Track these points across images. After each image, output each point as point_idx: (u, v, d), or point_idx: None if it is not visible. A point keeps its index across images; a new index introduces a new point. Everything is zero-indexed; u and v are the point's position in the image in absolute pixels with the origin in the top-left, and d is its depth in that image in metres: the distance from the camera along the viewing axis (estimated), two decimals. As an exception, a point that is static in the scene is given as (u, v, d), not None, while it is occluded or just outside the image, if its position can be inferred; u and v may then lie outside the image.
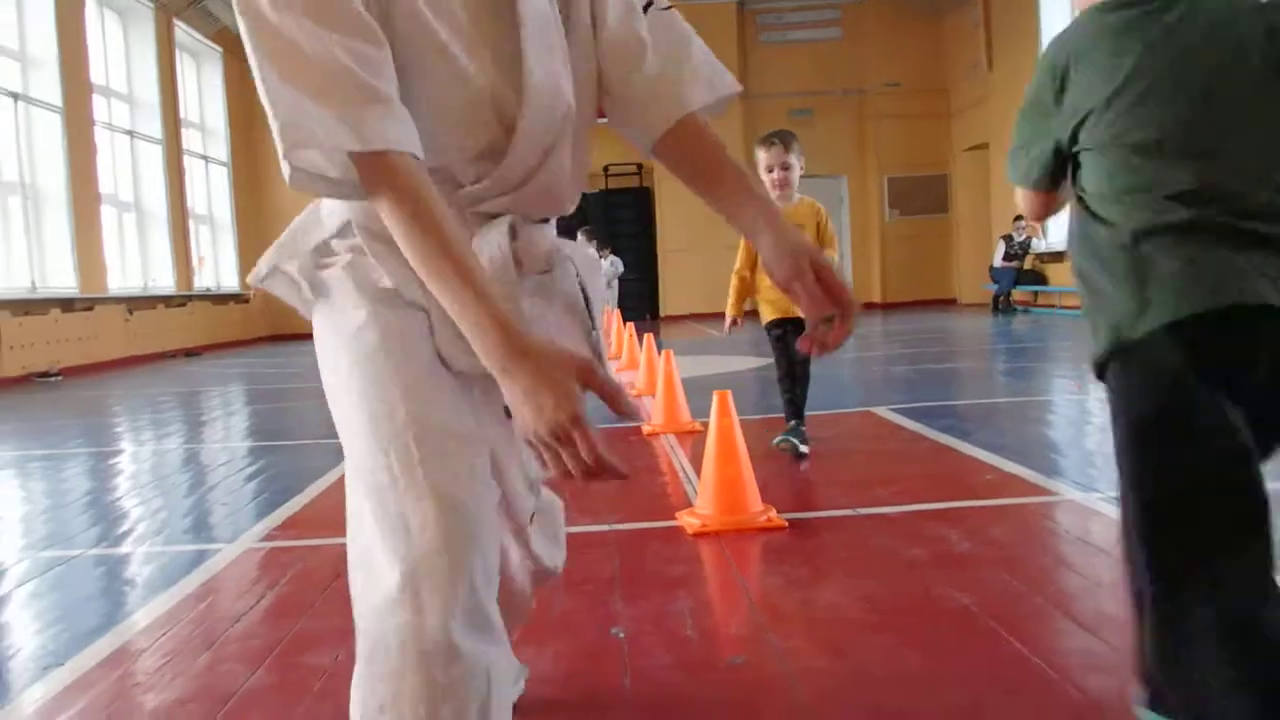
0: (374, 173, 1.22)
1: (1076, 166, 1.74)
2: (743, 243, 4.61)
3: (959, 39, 19.88)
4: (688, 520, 3.65)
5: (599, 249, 16.52)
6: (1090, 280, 1.68)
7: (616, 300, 17.08)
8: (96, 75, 14.48)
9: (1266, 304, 1.47)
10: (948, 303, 20.58)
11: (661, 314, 20.75)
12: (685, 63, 1.45)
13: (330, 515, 4.16)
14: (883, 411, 6.20)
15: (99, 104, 14.49)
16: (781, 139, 4.86)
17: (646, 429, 5.85)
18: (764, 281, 4.85)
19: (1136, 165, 1.61)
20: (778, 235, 1.38)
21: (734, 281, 4.96)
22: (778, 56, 20.87)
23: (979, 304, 18.96)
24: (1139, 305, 1.55)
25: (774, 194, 4.76)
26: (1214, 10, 1.62)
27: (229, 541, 3.82)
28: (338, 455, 4.89)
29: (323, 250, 1.44)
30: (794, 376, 4.94)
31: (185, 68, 17.97)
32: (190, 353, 15.77)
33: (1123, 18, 1.66)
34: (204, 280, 17.98)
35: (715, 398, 3.73)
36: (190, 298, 16.75)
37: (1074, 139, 1.71)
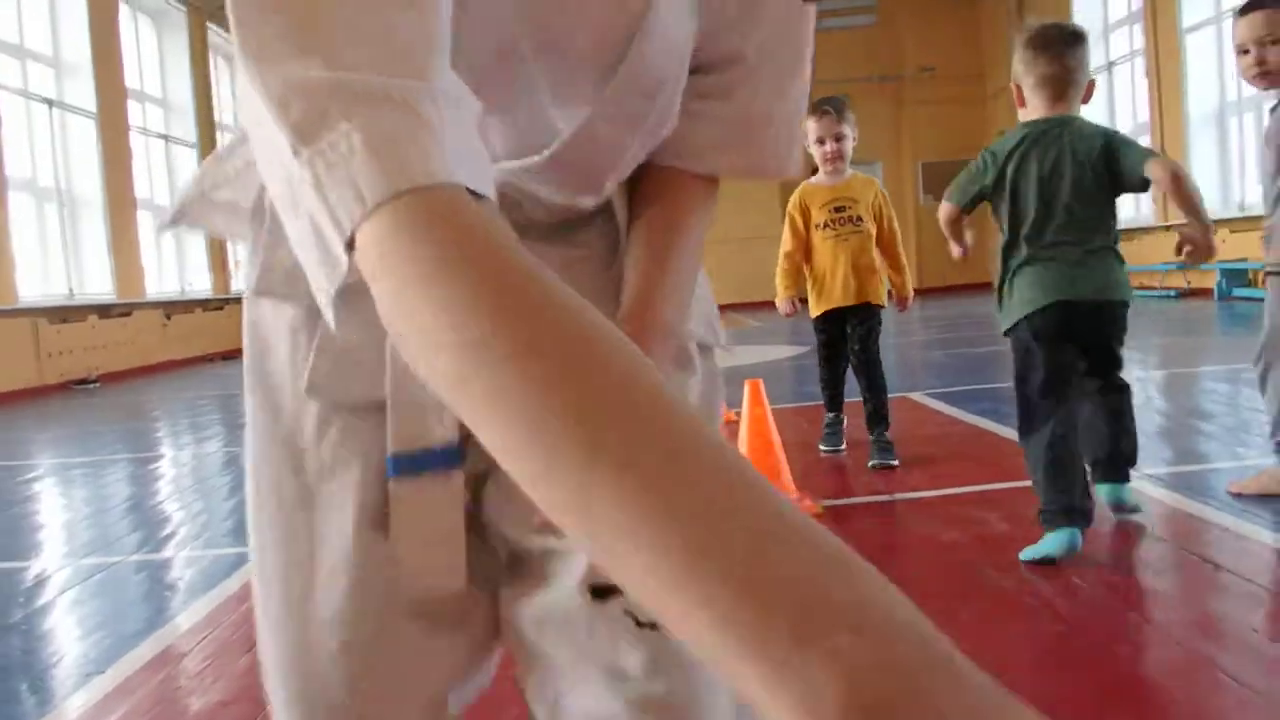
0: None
1: (995, 207, 3.11)
2: (789, 220, 4.50)
3: (993, 24, 19.71)
4: (723, 509, 3.63)
5: None
6: (1002, 279, 3.09)
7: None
8: (131, 80, 14.62)
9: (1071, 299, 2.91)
10: (984, 286, 20.38)
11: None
12: (773, 113, 0.93)
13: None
14: (919, 397, 6.16)
15: (134, 109, 14.64)
16: (835, 106, 4.43)
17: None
18: (815, 266, 4.49)
19: (1023, 224, 3.00)
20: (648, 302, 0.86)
21: (782, 264, 4.54)
22: (813, 43, 20.73)
23: (1017, 287, 18.81)
24: (1032, 296, 2.95)
25: (825, 169, 4.46)
26: (1081, 135, 2.94)
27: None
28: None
29: None
30: (838, 379, 4.58)
31: (220, 71, 18.14)
32: (227, 356, 15.92)
33: (1037, 128, 2.99)
34: (240, 283, 18.14)
35: (747, 387, 3.71)
36: (227, 301, 16.91)
37: (995, 188, 3.07)
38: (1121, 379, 3.15)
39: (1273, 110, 3.34)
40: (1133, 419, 3.17)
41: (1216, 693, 1.96)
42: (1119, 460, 3.11)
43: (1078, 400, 3.00)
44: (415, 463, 0.81)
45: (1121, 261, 3.03)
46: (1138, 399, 5.71)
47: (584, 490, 0.41)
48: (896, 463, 4.18)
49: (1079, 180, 2.89)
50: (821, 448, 4.55)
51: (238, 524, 4.29)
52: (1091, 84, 3.05)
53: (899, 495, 3.74)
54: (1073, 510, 2.79)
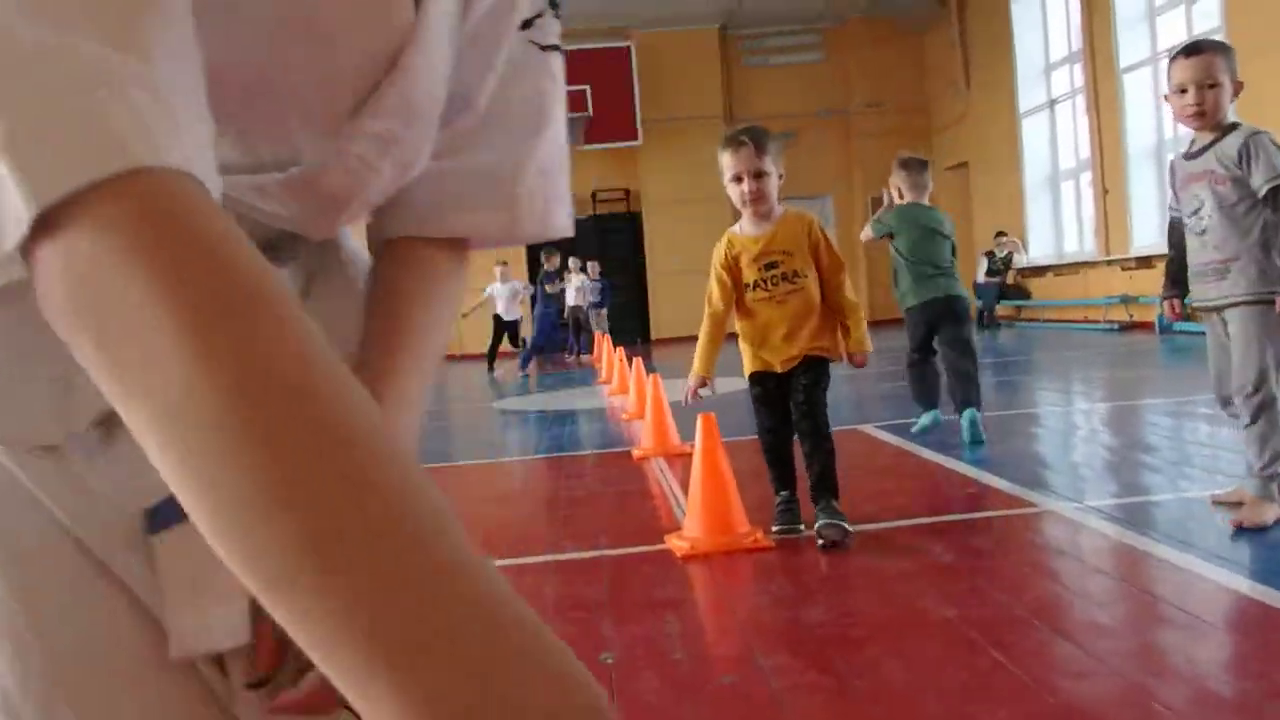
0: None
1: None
2: (714, 277, 3.76)
3: (938, 58, 20.03)
4: (676, 543, 3.66)
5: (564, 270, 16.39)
6: (898, 285, 5.68)
7: (605, 324, 17.11)
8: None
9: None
10: (933, 319, 20.66)
11: (652, 337, 20.76)
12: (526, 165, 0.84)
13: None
14: (869, 429, 6.23)
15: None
16: (752, 137, 3.64)
17: (636, 453, 5.86)
18: (747, 321, 3.76)
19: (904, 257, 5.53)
20: None
21: (706, 328, 3.78)
22: (761, 79, 20.99)
23: (964, 319, 19.04)
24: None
25: (746, 214, 3.72)
26: (930, 213, 5.67)
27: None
28: None
29: None
30: (783, 446, 3.82)
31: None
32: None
33: (910, 211, 5.65)
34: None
35: (700, 421, 3.75)
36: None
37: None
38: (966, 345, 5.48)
39: (1195, 153, 3.50)
40: (973, 368, 5.48)
41: (1156, 722, 2.01)
42: (960, 397, 5.43)
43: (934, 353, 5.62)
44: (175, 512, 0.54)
45: (955, 278, 5.62)
46: (1082, 431, 5.88)
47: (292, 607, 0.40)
48: (851, 540, 3.50)
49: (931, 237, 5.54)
50: (774, 530, 3.70)
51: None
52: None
53: (853, 526, 3.79)
54: (933, 403, 5.61)
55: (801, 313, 3.68)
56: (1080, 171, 15.91)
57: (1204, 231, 3.44)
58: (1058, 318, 15.81)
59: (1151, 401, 6.78)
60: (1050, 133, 16.78)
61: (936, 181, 21.15)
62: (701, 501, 3.67)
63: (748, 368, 3.81)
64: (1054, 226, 16.96)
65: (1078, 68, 15.50)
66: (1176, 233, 3.68)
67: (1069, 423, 6.27)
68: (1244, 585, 2.80)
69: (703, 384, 3.77)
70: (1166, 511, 3.66)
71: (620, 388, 9.75)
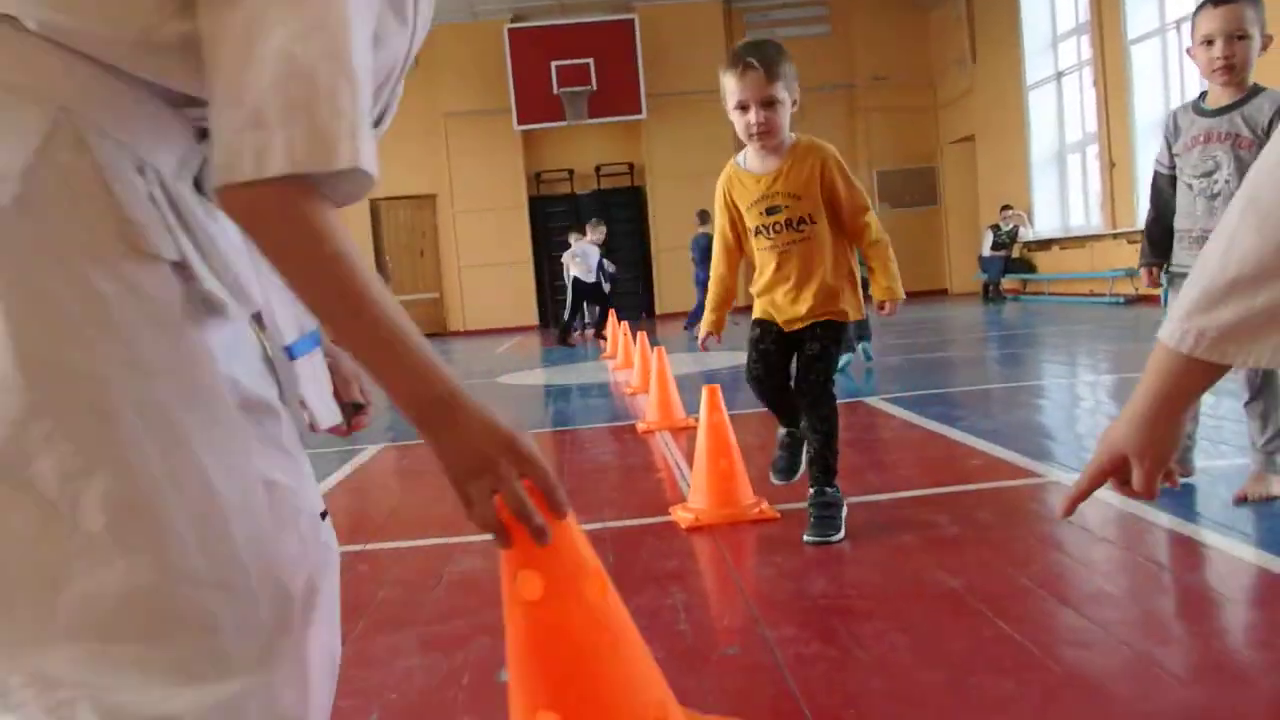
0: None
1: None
2: (717, 219, 3.45)
3: (944, 32, 19.91)
4: (681, 515, 3.65)
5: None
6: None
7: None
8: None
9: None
10: (939, 293, 20.59)
11: (656, 312, 20.74)
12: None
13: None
14: (875, 401, 6.22)
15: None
16: (761, 59, 3.07)
17: (641, 426, 5.86)
18: (755, 270, 3.40)
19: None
20: None
21: (711, 285, 3.50)
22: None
23: (970, 294, 19.00)
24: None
25: (753, 147, 3.26)
26: None
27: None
28: (336, 463, 4.89)
29: None
30: (776, 392, 3.42)
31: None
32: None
33: None
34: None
35: (705, 393, 3.74)
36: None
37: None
38: None
39: (1215, 111, 3.32)
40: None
41: (1160, 693, 2.01)
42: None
43: None
44: (306, 342, 1.16)
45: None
46: (1087, 403, 5.86)
47: (350, 330, 0.98)
48: (839, 536, 3.22)
49: None
50: (772, 478, 3.61)
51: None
52: None
53: (853, 499, 3.77)
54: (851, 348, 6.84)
55: (809, 266, 3.24)
56: (1087, 145, 15.82)
57: (1216, 196, 3.25)
58: (1064, 291, 15.77)
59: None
60: (1057, 106, 16.69)
61: (942, 154, 20.89)
62: (706, 473, 3.66)
63: (754, 310, 3.41)
64: (1060, 200, 16.89)
65: (1085, 39, 15.39)
66: (1163, 192, 3.45)
67: (1074, 395, 6.25)
68: (1249, 554, 2.79)
69: (708, 336, 3.47)
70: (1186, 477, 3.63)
71: (625, 362, 9.75)
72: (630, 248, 20.68)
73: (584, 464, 5.03)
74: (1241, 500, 3.28)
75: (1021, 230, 16.98)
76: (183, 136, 1.01)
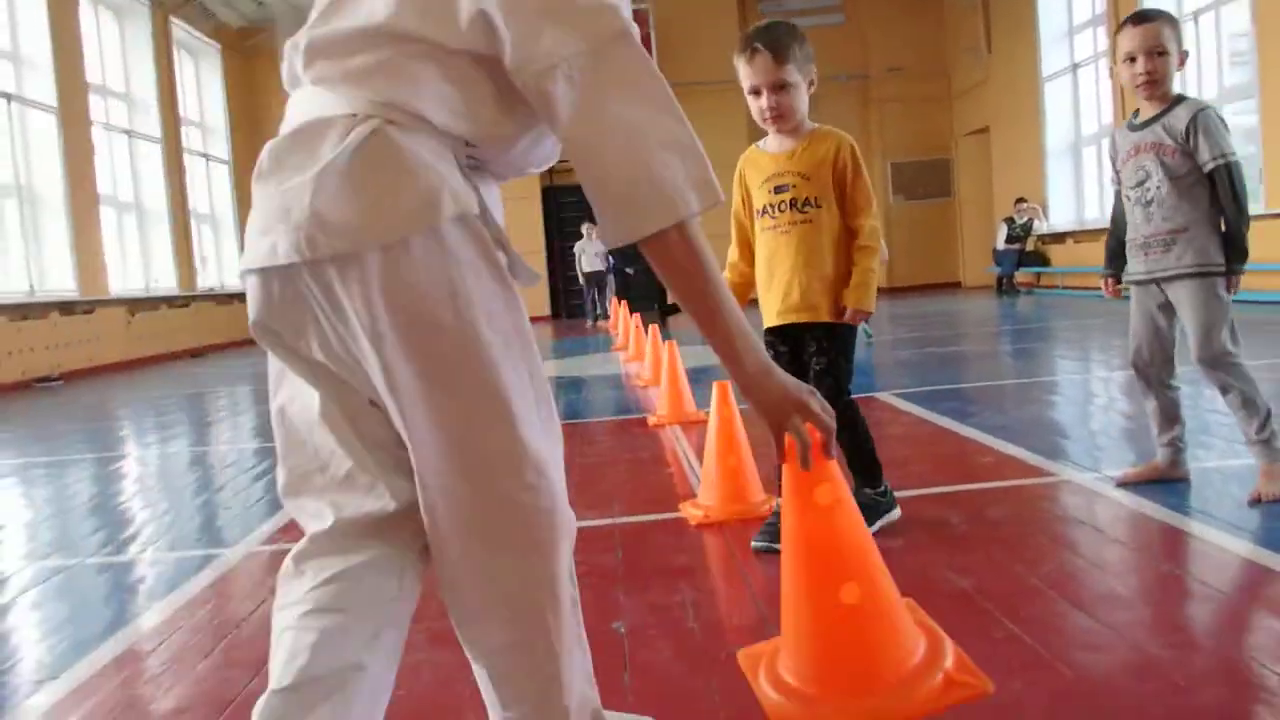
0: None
1: None
2: (733, 201, 3.30)
3: (959, 22, 19.81)
4: (690, 511, 3.64)
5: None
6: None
7: (620, 289, 17.10)
8: (93, 74, 14.47)
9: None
10: (953, 286, 20.54)
11: (669, 300, 20.64)
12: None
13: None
14: (886, 397, 6.19)
15: (95, 103, 14.48)
16: (770, 42, 3.03)
17: (652, 420, 5.84)
18: (756, 265, 3.30)
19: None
20: None
21: (726, 274, 3.28)
22: (778, 43, 20.75)
23: (984, 286, 18.94)
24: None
25: (770, 130, 3.21)
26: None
27: (233, 545, 3.82)
28: None
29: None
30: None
31: (183, 65, 17.97)
32: (195, 353, 15.80)
33: None
34: (207, 280, 18.00)
35: (715, 389, 3.72)
36: (193, 298, 16.76)
37: None
38: None
39: (1142, 124, 3.48)
40: None
41: (1171, 696, 1.99)
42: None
43: None
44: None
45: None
46: (1100, 400, 5.82)
47: (710, 324, 1.46)
48: (887, 519, 3.27)
49: None
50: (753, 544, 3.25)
51: (202, 525, 4.25)
52: None
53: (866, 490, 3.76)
54: None
55: (809, 252, 3.14)
56: (1103, 137, 15.73)
57: (1150, 203, 3.44)
58: (1078, 285, 15.68)
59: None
60: (1073, 97, 16.59)
61: (957, 146, 20.87)
62: (716, 469, 3.65)
63: (764, 319, 3.29)
64: (1075, 193, 16.80)
65: (1101, 30, 15.30)
66: (1117, 207, 3.68)
67: (1087, 391, 6.21)
68: (1265, 556, 2.77)
69: None
70: (1184, 481, 3.61)
71: (636, 354, 9.73)
72: (643, 238, 20.61)
73: (593, 457, 5.02)
74: (1256, 501, 3.25)
75: (1036, 223, 16.90)
76: (496, 190, 1.56)
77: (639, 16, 13.46)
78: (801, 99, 3.10)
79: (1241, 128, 12.17)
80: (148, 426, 7.93)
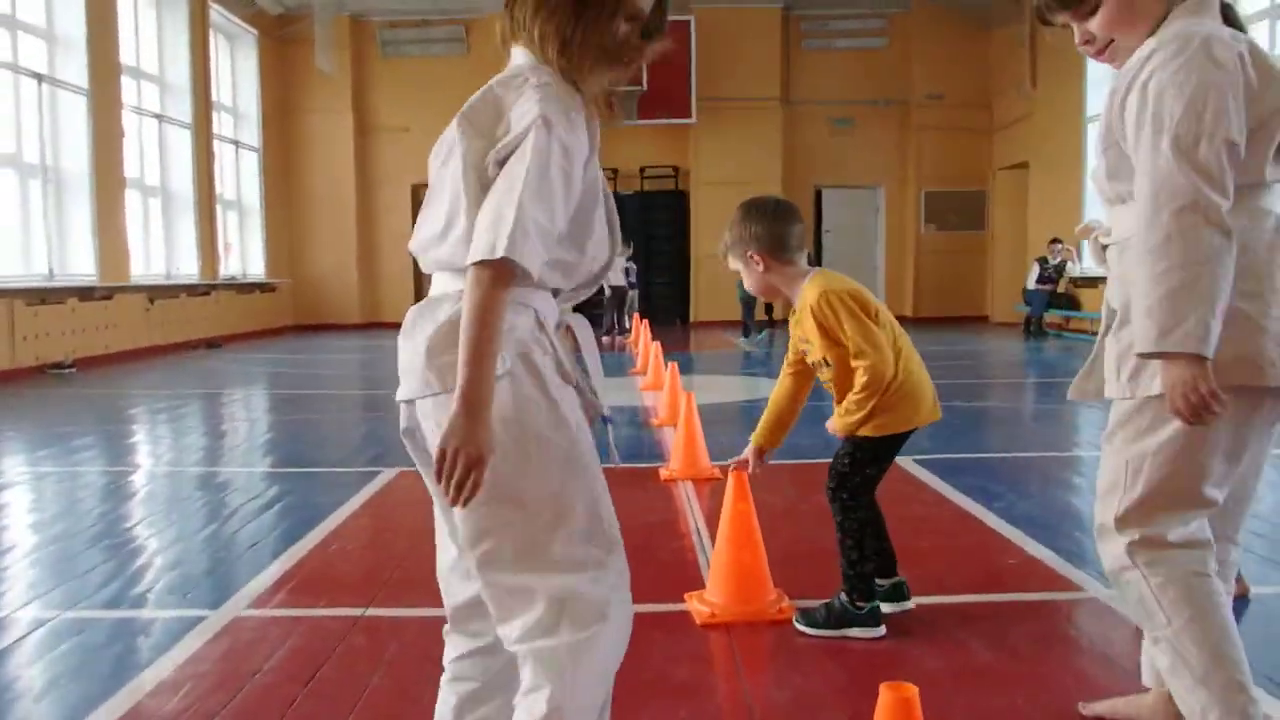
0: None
1: None
2: (862, 301, 3.16)
3: (1005, 55, 19.54)
4: (696, 607, 3.47)
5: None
6: None
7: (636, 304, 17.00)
8: (127, 57, 14.39)
9: None
10: (980, 319, 20.28)
11: (692, 319, 20.54)
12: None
13: (331, 575, 4.01)
14: (907, 464, 5.99)
15: (128, 86, 14.41)
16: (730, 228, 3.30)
17: (664, 473, 5.67)
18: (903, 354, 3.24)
19: None
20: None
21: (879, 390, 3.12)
22: (821, 63, 20.59)
23: (1010, 323, 18.66)
24: None
25: None
26: None
27: (230, 600, 3.68)
28: (353, 488, 4.78)
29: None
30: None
31: (219, 50, 17.90)
32: (211, 344, 15.71)
33: None
34: (230, 268, 17.92)
35: (731, 479, 3.53)
36: (215, 286, 16.68)
37: None
38: None
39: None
40: None
41: None
42: None
43: None
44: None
45: None
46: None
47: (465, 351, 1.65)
48: (806, 628, 3.27)
49: None
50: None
51: (205, 571, 4.06)
52: None
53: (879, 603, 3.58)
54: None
55: (842, 393, 3.20)
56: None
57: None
58: (1107, 332, 15.38)
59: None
60: (1112, 141, 16.30)
61: (994, 179, 20.44)
62: (726, 565, 3.48)
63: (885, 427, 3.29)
64: (1111, 237, 16.52)
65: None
66: None
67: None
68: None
69: (758, 456, 3.42)
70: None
71: (654, 382, 9.57)
72: (670, 252, 20.49)
73: (601, 518, 4.84)
74: None
75: (1069, 265, 16.64)
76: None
77: (679, 28, 13.54)
78: (758, 276, 3.24)
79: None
80: (158, 435, 7.82)
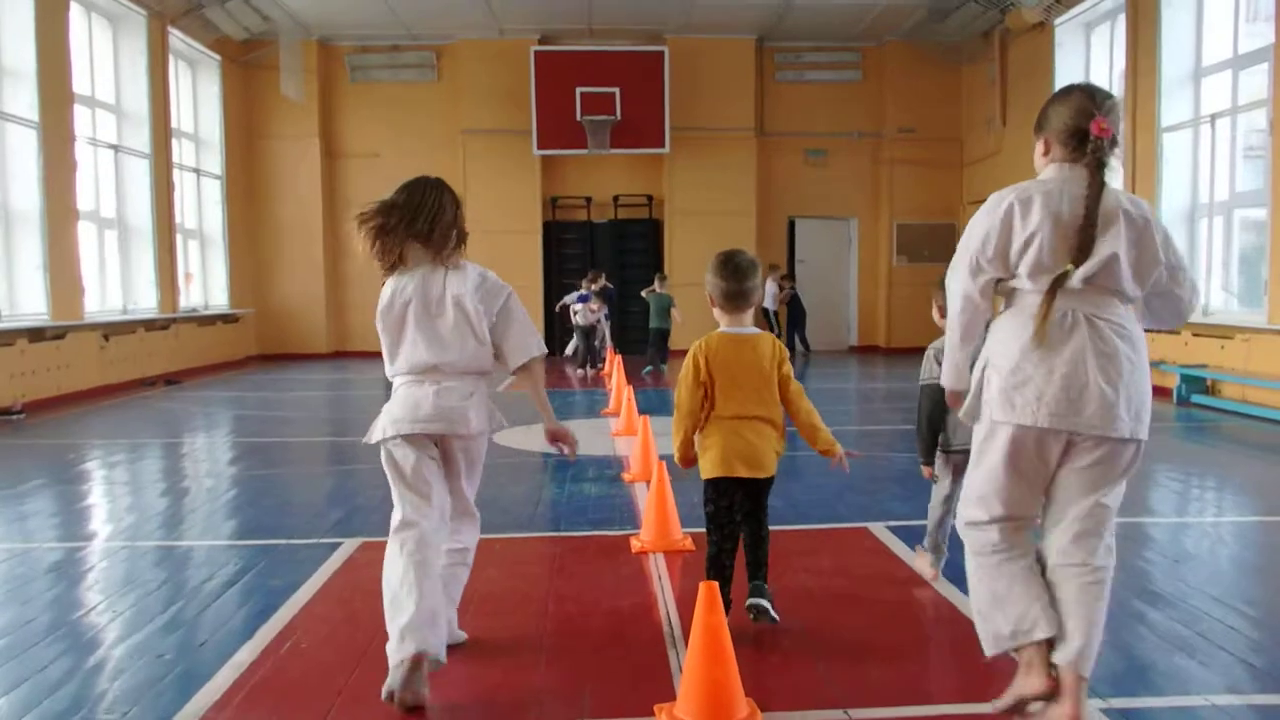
0: None
1: None
2: (698, 362, 4.09)
3: (976, 91, 19.55)
4: (667, 727, 3.25)
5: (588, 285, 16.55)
6: None
7: (608, 336, 16.82)
8: (81, 86, 14.03)
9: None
10: (949, 351, 20.17)
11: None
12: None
13: (284, 682, 3.74)
14: (879, 530, 5.81)
15: (83, 116, 14.05)
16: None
17: (635, 545, 5.45)
18: (713, 411, 4.09)
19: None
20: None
21: (683, 424, 4.15)
22: (794, 95, 20.55)
23: (982, 356, 18.56)
24: None
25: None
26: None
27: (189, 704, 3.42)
28: (314, 563, 4.88)
29: None
30: (730, 546, 4.19)
31: (180, 76, 17.58)
32: (170, 380, 15.32)
33: None
34: (191, 300, 17.57)
35: (702, 591, 3.31)
36: (174, 320, 16.30)
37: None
38: None
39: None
40: None
41: None
42: None
43: None
44: None
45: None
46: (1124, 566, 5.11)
47: (540, 400, 4.00)
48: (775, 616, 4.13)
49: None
50: (748, 604, 4.11)
51: (163, 672, 3.78)
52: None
53: (854, 712, 3.38)
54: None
55: None
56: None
57: None
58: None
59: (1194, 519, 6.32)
60: (1086, 176, 16.28)
61: (964, 212, 20.48)
62: (698, 681, 3.26)
63: (705, 471, 4.19)
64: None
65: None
66: None
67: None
68: None
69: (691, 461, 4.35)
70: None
71: (628, 428, 9.36)
72: (643, 281, 20.29)
73: (569, 600, 4.60)
74: None
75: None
76: None
77: (653, 58, 13.78)
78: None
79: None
80: (113, 495, 7.53)
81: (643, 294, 16.74)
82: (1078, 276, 3.05)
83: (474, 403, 3.72)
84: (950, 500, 4.67)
